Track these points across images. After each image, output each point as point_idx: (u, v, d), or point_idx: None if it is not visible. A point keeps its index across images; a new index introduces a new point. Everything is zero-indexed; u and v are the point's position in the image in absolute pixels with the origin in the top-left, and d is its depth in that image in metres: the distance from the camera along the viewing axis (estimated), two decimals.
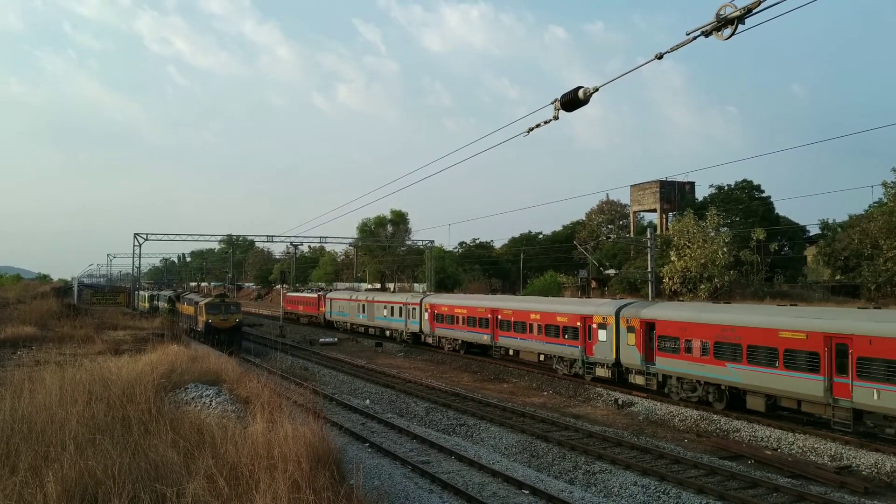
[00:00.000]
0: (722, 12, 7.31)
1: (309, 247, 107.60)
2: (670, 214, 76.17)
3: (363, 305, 45.32)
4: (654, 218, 79.67)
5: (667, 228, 69.86)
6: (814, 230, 72.42)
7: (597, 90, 9.24)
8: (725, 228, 58.36)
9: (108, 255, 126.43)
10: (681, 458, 15.08)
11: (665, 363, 20.98)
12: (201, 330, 36.57)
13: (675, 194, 77.55)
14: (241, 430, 10.63)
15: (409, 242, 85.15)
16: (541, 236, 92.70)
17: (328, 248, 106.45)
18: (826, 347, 16.10)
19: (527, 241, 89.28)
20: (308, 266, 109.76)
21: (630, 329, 22.43)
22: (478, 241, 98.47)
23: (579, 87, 9.22)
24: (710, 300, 47.46)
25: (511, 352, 29.95)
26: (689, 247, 53.34)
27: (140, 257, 59.86)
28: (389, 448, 16.21)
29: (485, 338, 31.22)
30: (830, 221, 67.26)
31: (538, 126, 10.91)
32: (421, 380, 26.80)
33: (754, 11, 7.14)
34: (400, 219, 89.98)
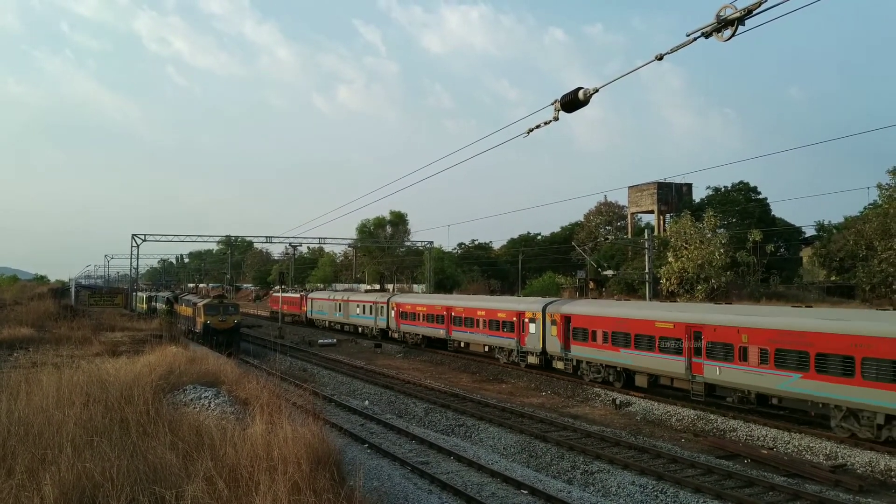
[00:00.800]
0: (722, 13, 7.31)
1: (308, 248, 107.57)
2: (668, 216, 76.33)
3: (339, 304, 48.80)
4: (652, 219, 79.81)
5: (664, 230, 69.96)
6: (809, 232, 72.75)
7: (597, 91, 9.23)
8: (722, 230, 58.50)
9: (105, 255, 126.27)
10: (678, 457, 15.11)
11: (578, 350, 25.05)
12: (199, 331, 36.47)
13: (672, 196, 77.71)
14: (241, 431, 10.58)
15: (408, 243, 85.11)
16: (539, 237, 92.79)
17: (327, 249, 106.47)
18: (687, 335, 19.97)
19: (525, 243, 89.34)
20: (307, 267, 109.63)
21: (553, 322, 26.31)
22: (477, 242, 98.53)
23: (579, 88, 9.21)
24: (708, 301, 47.62)
25: (462, 344, 33.76)
26: (686, 248, 53.44)
27: (138, 258, 59.74)
28: (388, 449, 16.17)
29: (441, 332, 34.97)
30: (826, 223, 67.57)
31: (538, 127, 10.90)
32: (420, 380, 26.77)
33: (754, 13, 7.15)
34: (399, 220, 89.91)
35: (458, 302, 35.01)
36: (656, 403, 20.84)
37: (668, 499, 12.90)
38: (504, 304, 30.93)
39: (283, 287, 58.46)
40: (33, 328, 34.00)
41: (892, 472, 14.20)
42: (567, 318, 25.55)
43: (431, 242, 72.72)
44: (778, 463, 14.98)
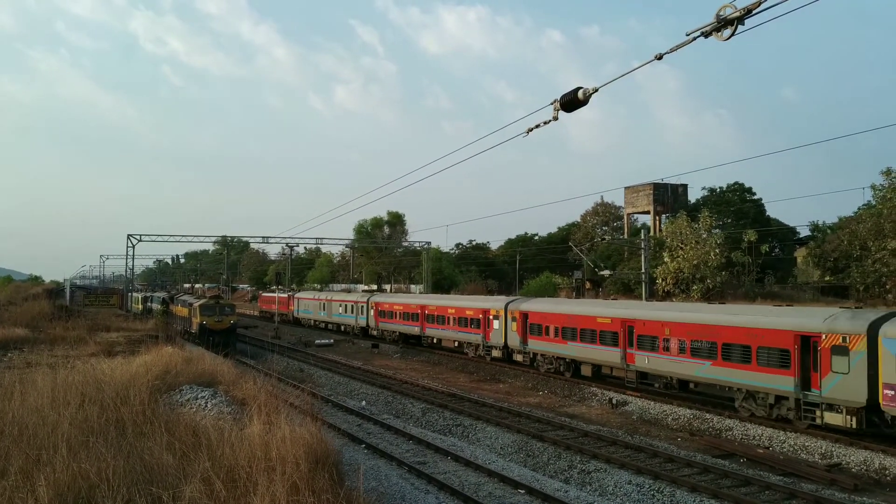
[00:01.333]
0: (722, 13, 7.33)
1: (305, 248, 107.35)
2: (663, 216, 76.56)
3: (324, 304, 51.14)
4: (648, 220, 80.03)
5: (660, 230, 70.17)
6: (804, 232, 73.17)
7: (596, 91, 9.23)
8: (717, 230, 58.72)
9: (100, 256, 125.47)
10: (674, 456, 15.12)
11: (534, 344, 27.46)
12: (195, 332, 36.32)
13: (668, 196, 77.96)
14: (238, 431, 10.52)
15: (405, 244, 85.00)
16: (537, 238, 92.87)
17: (324, 249, 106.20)
18: (622, 328, 22.55)
19: (523, 243, 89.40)
20: (304, 267, 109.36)
21: (513, 319, 28.70)
22: (474, 243, 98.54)
23: (579, 88, 9.21)
24: (703, 300, 47.78)
25: (435, 340, 35.99)
26: (681, 248, 53.60)
27: (133, 259, 59.33)
28: (386, 449, 16.13)
29: (416, 329, 37.16)
30: (820, 223, 67.94)
31: (537, 126, 10.90)
32: (417, 381, 26.73)
33: (754, 12, 7.16)
34: (397, 220, 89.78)
35: (431, 301, 37.27)
36: (652, 403, 20.88)
37: (664, 498, 12.91)
38: (471, 303, 33.35)
39: (278, 287, 59.32)
40: (28, 329, 33.76)
41: (887, 471, 14.26)
42: (525, 315, 28.05)
43: (429, 243, 72.72)
44: (774, 462, 15.03)
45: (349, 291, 60.84)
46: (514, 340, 28.50)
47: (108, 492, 7.67)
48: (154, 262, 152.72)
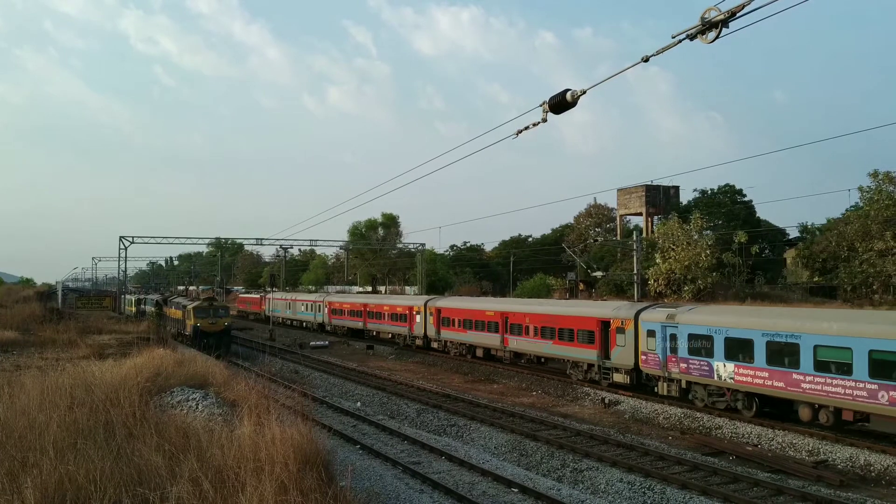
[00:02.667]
0: (707, 16, 7.40)
1: (299, 250, 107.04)
2: (655, 218, 76.92)
3: (289, 303, 56.26)
4: (640, 221, 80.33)
5: (652, 232, 70.47)
6: (793, 233, 73.69)
7: (584, 93, 9.27)
8: (709, 232, 59.04)
9: (93, 258, 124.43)
10: (665, 454, 15.19)
11: (445, 333, 33.58)
12: (189, 334, 36.13)
13: (660, 198, 78.33)
14: (228, 433, 10.48)
15: (400, 245, 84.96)
16: (530, 239, 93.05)
17: (319, 251, 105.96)
18: (501, 319, 28.99)
19: (517, 244, 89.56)
20: (298, 269, 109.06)
21: (431, 314, 34.37)
22: (468, 245, 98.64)
23: (567, 90, 9.24)
24: (694, 301, 48.06)
25: (375, 332, 42.08)
26: (673, 249, 53.86)
27: (126, 261, 59.05)
28: (380, 449, 16.11)
29: (359, 324, 43.17)
30: (809, 225, 68.48)
31: (527, 128, 10.93)
32: (412, 382, 26.72)
33: (738, 15, 7.23)
34: (391, 222, 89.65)
35: (371, 300, 43.97)
36: (644, 402, 20.95)
37: (655, 495, 12.96)
38: (400, 301, 40.05)
39: (273, 289, 60.68)
40: (18, 331, 33.49)
41: (872, 467, 14.38)
42: (439, 311, 33.74)
43: (423, 244, 72.70)
44: (762, 459, 15.12)
45: (344, 293, 61.53)
46: (432, 331, 34.52)
47: (95, 493, 7.61)
48: (147, 265, 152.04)
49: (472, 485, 13.46)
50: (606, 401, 21.91)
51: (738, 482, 13.34)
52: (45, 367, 17.71)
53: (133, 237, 58.42)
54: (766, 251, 70.48)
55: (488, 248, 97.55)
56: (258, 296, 66.60)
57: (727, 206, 67.90)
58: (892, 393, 14.43)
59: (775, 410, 17.87)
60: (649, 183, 75.38)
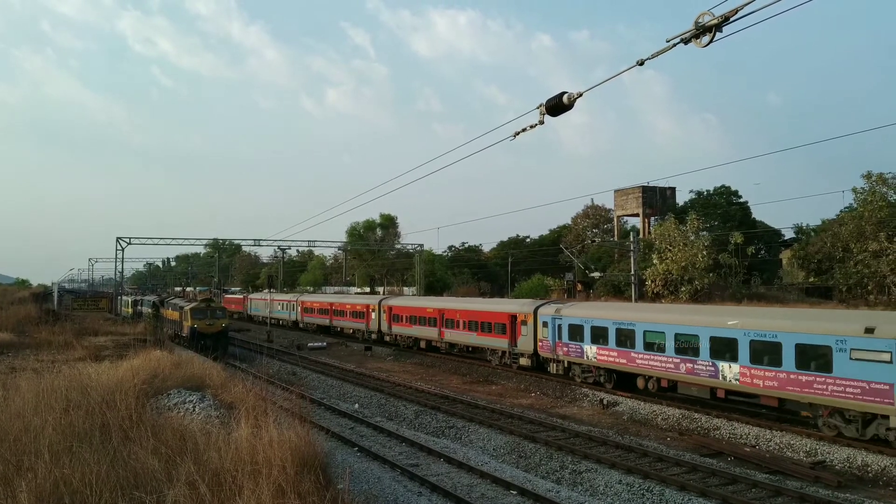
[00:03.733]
0: (700, 20, 7.41)
1: (297, 251, 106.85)
2: (652, 219, 77.06)
3: (268, 303, 59.74)
4: (637, 222, 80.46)
5: (649, 232, 70.58)
6: (789, 234, 73.93)
7: (581, 95, 9.28)
8: (705, 233, 59.17)
9: (89, 259, 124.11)
10: (663, 456, 15.17)
11: (396, 329, 38.28)
12: (186, 335, 35.99)
13: (657, 199, 78.50)
14: (225, 435, 10.41)
15: (398, 246, 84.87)
16: (528, 240, 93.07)
17: (317, 252, 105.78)
18: (439, 315, 33.80)
19: (515, 245, 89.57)
20: (296, 270, 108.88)
21: (384, 312, 39.36)
22: (467, 245, 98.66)
23: (564, 93, 9.26)
24: (691, 301, 48.14)
25: (339, 328, 46.38)
26: (670, 250, 53.94)
27: (123, 262, 58.76)
28: (378, 452, 16.05)
29: (326, 321, 47.94)
30: (804, 226, 68.72)
31: (524, 130, 10.93)
32: (410, 383, 26.66)
33: (731, 20, 7.24)
34: (389, 223, 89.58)
35: (337, 299, 49.49)
36: (643, 403, 20.95)
37: (654, 497, 12.93)
38: (360, 300, 45.45)
39: (270, 290, 61.50)
40: (13, 333, 33.32)
41: (869, 468, 14.38)
42: (390, 308, 38.81)
43: (422, 245, 72.65)
44: (760, 460, 15.11)
45: (342, 294, 62.01)
46: (385, 326, 39.21)
47: (90, 497, 7.55)
48: (144, 265, 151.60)
49: (470, 487, 13.41)
50: (605, 402, 21.89)
51: (736, 483, 13.33)
52: (41, 369, 17.60)
53: (130, 238, 58.24)
54: (762, 252, 70.70)
55: (486, 248, 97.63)
56: (241, 296, 72.85)
57: (723, 208, 68.10)
58: (688, 365, 19.52)
59: (625, 383, 22.66)
60: (646, 184, 75.63)
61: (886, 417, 14.66)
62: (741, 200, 70.05)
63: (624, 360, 21.79)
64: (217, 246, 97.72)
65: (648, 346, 20.84)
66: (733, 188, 70.86)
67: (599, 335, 22.78)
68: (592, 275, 52.19)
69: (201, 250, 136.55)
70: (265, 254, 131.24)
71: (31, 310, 47.07)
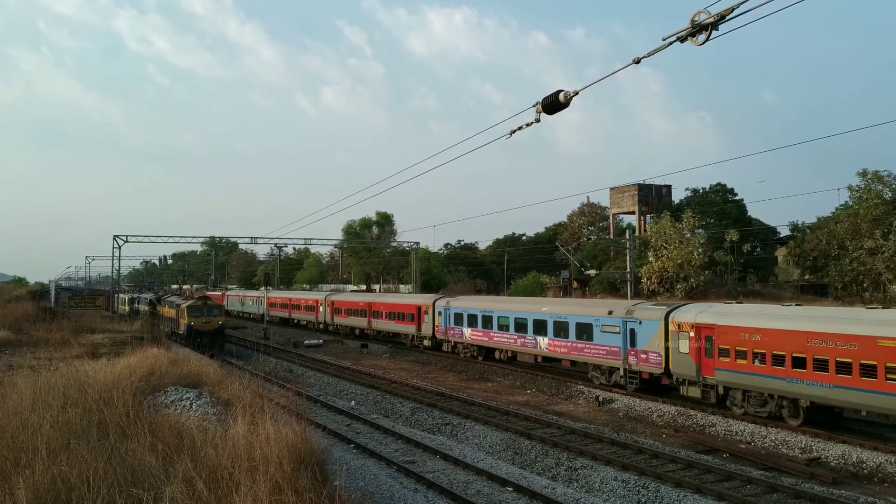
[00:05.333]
0: (696, 18, 7.46)
1: (294, 249, 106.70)
2: (648, 217, 77.22)
3: (241, 299, 67.83)
4: (633, 220, 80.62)
5: (645, 230, 70.75)
6: (784, 232, 74.12)
7: (577, 94, 9.32)
8: (700, 230, 59.33)
9: (86, 257, 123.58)
10: (659, 452, 15.27)
11: (338, 320, 45.95)
12: (183, 333, 35.98)
13: (652, 197, 78.64)
14: (222, 432, 10.46)
15: (394, 244, 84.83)
16: (524, 238, 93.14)
17: (313, 249, 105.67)
18: (368, 308, 41.46)
19: (511, 243, 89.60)
20: (293, 268, 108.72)
21: (328, 305, 47.13)
22: (463, 243, 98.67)
23: (560, 91, 9.30)
24: (687, 299, 48.31)
25: (297, 320, 53.35)
26: (666, 248, 54.09)
27: (119, 259, 58.72)
28: (375, 448, 16.12)
29: (286, 314, 55.46)
30: (800, 223, 68.81)
31: (520, 128, 10.98)
32: (406, 380, 26.74)
33: (727, 18, 7.30)
34: (385, 220, 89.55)
35: (294, 295, 57.57)
36: (638, 400, 21.08)
37: (649, 493, 13.03)
38: (311, 296, 53.96)
39: (267, 287, 61.97)
40: (10, 331, 33.25)
41: (864, 464, 14.52)
42: (333, 303, 46.74)
43: (418, 243, 72.75)
44: (755, 457, 15.24)
45: (339, 292, 62.28)
46: (329, 318, 47.00)
47: (88, 494, 7.60)
48: (141, 263, 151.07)
49: (466, 484, 13.50)
50: (600, 399, 22.02)
51: (731, 480, 13.43)
52: (38, 366, 17.60)
53: (127, 236, 58.10)
54: (758, 249, 70.94)
55: (482, 246, 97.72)
56: (220, 293, 77.35)
57: (719, 205, 68.32)
58: (521, 340, 27.27)
59: (489, 356, 30.06)
60: (642, 182, 75.77)
61: (617, 369, 22.52)
62: (737, 198, 70.33)
63: (486, 339, 29.90)
64: (213, 244, 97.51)
65: (501, 328, 28.61)
66: (729, 186, 71.16)
67: (472, 321, 30.68)
68: (588, 273, 52.31)
69: (198, 248, 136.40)
70: (261, 251, 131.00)
71: (29, 308, 46.94)
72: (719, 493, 12.58)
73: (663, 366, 20.50)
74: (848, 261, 48.62)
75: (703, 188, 72.32)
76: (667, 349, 20.37)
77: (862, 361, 14.80)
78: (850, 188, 50.73)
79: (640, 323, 21.55)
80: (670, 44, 7.82)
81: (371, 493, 11.63)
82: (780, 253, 70.41)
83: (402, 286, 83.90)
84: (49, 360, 20.31)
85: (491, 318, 29.21)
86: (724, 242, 60.01)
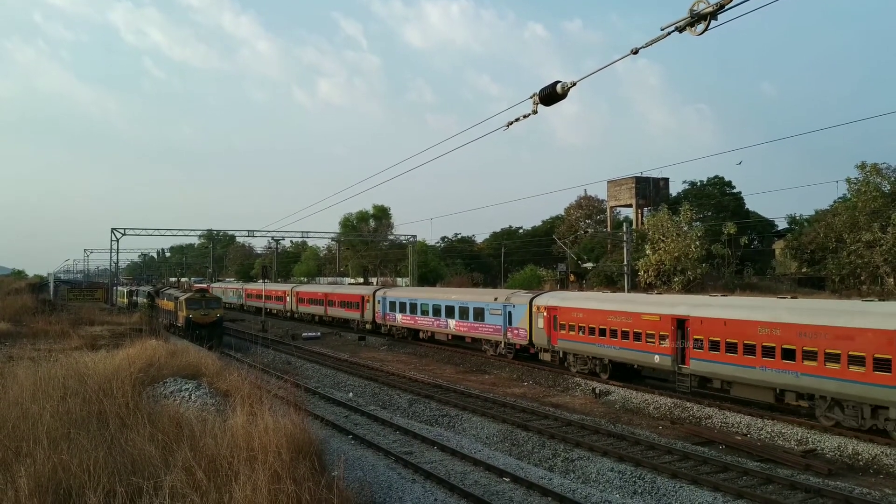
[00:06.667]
0: (695, 8, 7.46)
1: (291, 242, 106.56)
2: (645, 209, 77.19)
3: (223, 291, 72.09)
4: (630, 213, 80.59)
5: (642, 223, 70.76)
6: (782, 225, 74.07)
7: (574, 85, 9.33)
8: (698, 223, 59.37)
9: (85, 250, 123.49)
10: (655, 444, 15.41)
11: (301, 308, 51.84)
12: (181, 325, 36.04)
13: (650, 190, 78.52)
14: (221, 422, 10.56)
15: (391, 237, 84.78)
16: (521, 231, 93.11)
17: (310, 242, 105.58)
18: (325, 297, 47.77)
19: (507, 236, 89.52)
20: (290, 261, 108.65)
21: (294, 295, 53.45)
22: (460, 236, 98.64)
23: (557, 82, 9.29)
24: (684, 292, 48.49)
25: (269, 309, 56.86)
26: (663, 241, 54.15)
27: (118, 252, 58.56)
28: (372, 440, 16.25)
29: (260, 304, 58.10)
30: (797, 216, 68.82)
31: (517, 120, 11.00)
32: (404, 372, 26.87)
33: (726, 7, 7.31)
34: (382, 214, 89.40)
35: (269, 287, 60.79)
36: (635, 392, 21.24)
37: (645, 484, 13.18)
38: (280, 287, 59.06)
39: (264, 280, 62.32)
40: (10, 323, 33.27)
41: (860, 456, 14.69)
42: (298, 293, 53.13)
43: (415, 236, 72.64)
44: (751, 449, 15.38)
45: (336, 284, 62.62)
46: (295, 307, 52.89)
47: (88, 482, 7.68)
48: (139, 256, 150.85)
49: (463, 474, 13.63)
50: (597, 391, 22.18)
51: (727, 471, 13.54)
52: (38, 358, 17.65)
53: (125, 229, 57.97)
54: (755, 242, 71.00)
55: (479, 239, 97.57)
56: (206, 285, 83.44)
57: (716, 198, 68.32)
58: (437, 322, 33.43)
59: (416, 337, 36.41)
60: (639, 174, 75.67)
61: (500, 342, 28.89)
62: (734, 191, 70.30)
63: (413, 322, 35.88)
64: (211, 237, 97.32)
65: (423, 313, 34.45)
66: (727, 178, 71.12)
67: (403, 308, 36.61)
68: (585, 266, 52.43)
69: (196, 241, 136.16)
70: (259, 244, 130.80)
71: (28, 300, 46.96)
72: (715, 484, 12.69)
73: (528, 338, 27.03)
74: (846, 254, 48.69)
75: (701, 181, 72.30)
76: (531, 326, 26.76)
77: (634, 330, 21.48)
78: (848, 181, 50.71)
79: (515, 307, 27.76)
80: (669, 34, 7.82)
81: (369, 483, 11.75)
82: (778, 246, 70.45)
83: (399, 279, 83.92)
84: (49, 351, 20.37)
85: (416, 305, 35.25)
86: (722, 235, 60.11)
